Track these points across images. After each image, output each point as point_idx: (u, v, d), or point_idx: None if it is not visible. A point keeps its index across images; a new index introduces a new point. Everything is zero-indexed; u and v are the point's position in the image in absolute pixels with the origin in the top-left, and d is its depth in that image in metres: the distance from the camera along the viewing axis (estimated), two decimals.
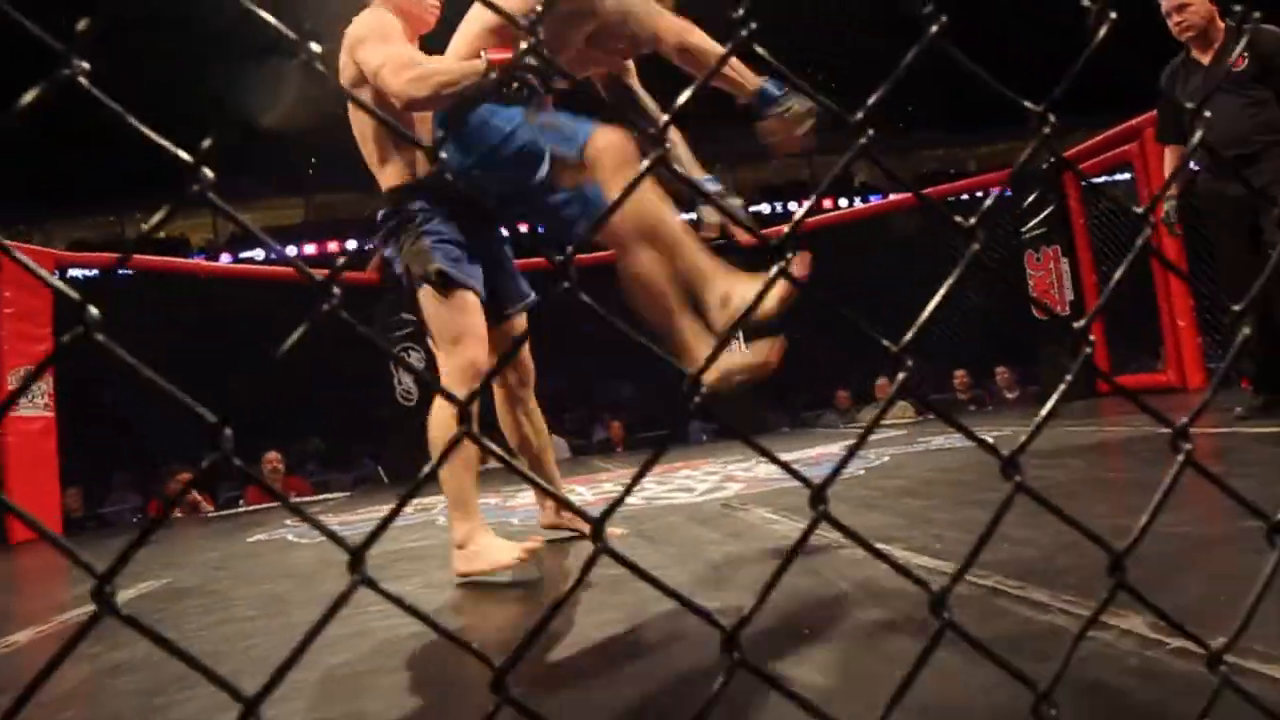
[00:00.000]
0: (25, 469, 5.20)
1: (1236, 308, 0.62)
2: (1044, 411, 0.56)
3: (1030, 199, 6.84)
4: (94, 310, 0.42)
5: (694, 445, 7.50)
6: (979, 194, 8.28)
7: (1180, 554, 1.49)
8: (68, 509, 5.99)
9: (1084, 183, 6.39)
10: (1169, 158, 3.99)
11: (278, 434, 7.92)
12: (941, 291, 0.51)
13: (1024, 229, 6.90)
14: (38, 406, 5.34)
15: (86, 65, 0.41)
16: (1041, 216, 6.79)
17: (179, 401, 0.46)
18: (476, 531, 2.14)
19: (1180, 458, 0.60)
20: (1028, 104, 0.57)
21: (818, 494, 0.49)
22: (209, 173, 0.43)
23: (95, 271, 7.64)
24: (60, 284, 0.44)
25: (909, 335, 0.50)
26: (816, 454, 4.74)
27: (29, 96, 0.41)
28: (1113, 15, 0.56)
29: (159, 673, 1.57)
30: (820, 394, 9.36)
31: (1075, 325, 0.54)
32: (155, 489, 7.68)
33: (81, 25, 0.45)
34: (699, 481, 3.93)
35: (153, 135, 0.43)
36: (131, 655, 1.74)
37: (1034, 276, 6.84)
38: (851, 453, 0.51)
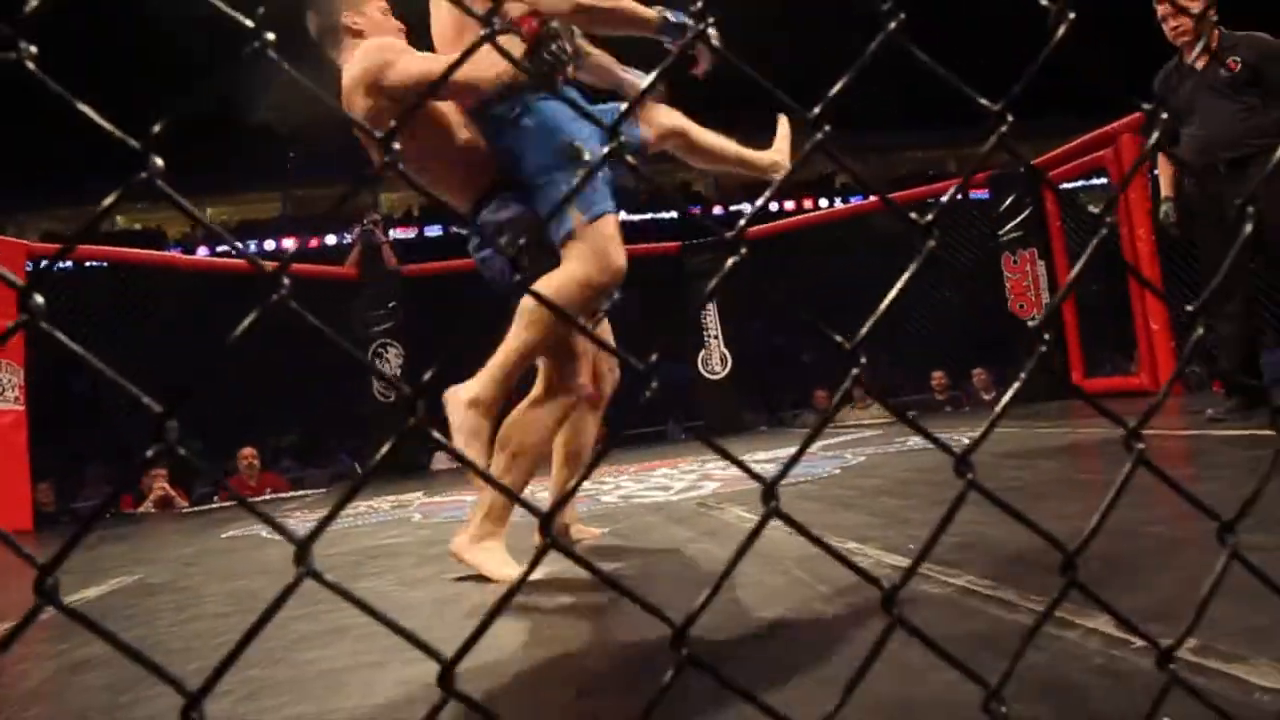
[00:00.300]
0: None
1: (1189, 308, 0.63)
2: (997, 410, 0.56)
3: (1008, 201, 6.88)
4: (39, 298, 0.41)
5: (672, 444, 7.51)
6: (958, 196, 8.33)
7: (1149, 553, 1.51)
8: (39, 503, 5.91)
9: (1049, 187, 6.40)
10: (1161, 161, 4.00)
11: (254, 429, 7.86)
12: (897, 287, 0.51)
13: (1001, 231, 6.95)
14: (8, 400, 5.27)
15: (34, 49, 0.41)
16: (1019, 219, 6.83)
17: (151, 394, 0.46)
18: (497, 537, 2.09)
19: (1133, 457, 0.60)
20: (984, 101, 0.57)
21: (769, 490, 0.49)
22: (159, 161, 0.42)
23: (70, 263, 7.56)
24: (4, 271, 0.43)
25: (862, 333, 0.50)
26: (792, 453, 4.75)
27: None
28: (1071, 15, 0.57)
29: (126, 669, 1.55)
30: (800, 394, 9.40)
31: (1030, 324, 0.54)
32: (129, 484, 7.60)
33: (32, 4, 0.44)
34: (676, 480, 3.94)
35: (100, 120, 0.42)
36: (98, 651, 1.72)
37: (1011, 279, 6.89)
38: (800, 451, 0.51)
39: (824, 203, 18.16)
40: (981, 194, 7.36)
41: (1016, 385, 0.56)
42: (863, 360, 0.50)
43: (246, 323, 0.42)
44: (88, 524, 0.43)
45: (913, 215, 0.55)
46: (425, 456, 7.44)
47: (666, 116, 2.42)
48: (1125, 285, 6.01)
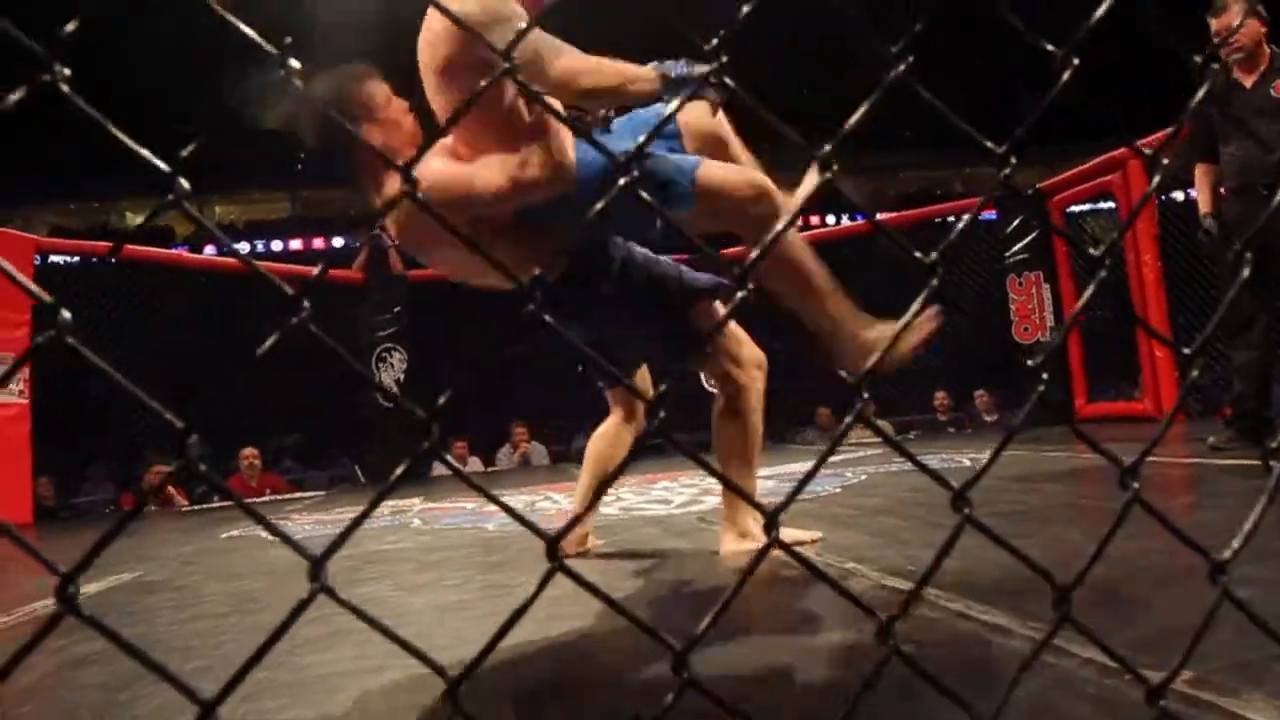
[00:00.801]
0: None
1: (1187, 351, 0.64)
2: (996, 448, 0.57)
3: (1015, 223, 6.89)
4: (66, 314, 0.42)
5: (673, 457, 7.50)
6: (965, 216, 8.34)
7: (1146, 583, 1.51)
8: (40, 497, 5.92)
9: (1054, 230, 6.43)
10: (1201, 177, 3.93)
11: (256, 429, 7.86)
12: (899, 326, 0.52)
13: (1007, 253, 6.95)
14: (11, 393, 5.29)
15: (67, 71, 0.42)
16: (1025, 241, 6.84)
17: (157, 393, 0.47)
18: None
19: (1128, 496, 0.61)
20: (989, 144, 0.58)
21: (770, 520, 0.50)
22: (185, 183, 0.44)
23: (76, 258, 7.59)
24: (32, 286, 0.44)
25: (865, 368, 0.51)
26: (797, 469, 4.75)
27: (9, 101, 0.41)
28: (1075, 61, 0.58)
29: (124, 667, 1.56)
30: (803, 411, 9.37)
31: (1030, 363, 0.55)
32: (131, 481, 7.61)
33: (69, 27, 0.46)
34: (677, 493, 3.93)
35: (131, 144, 0.43)
36: (96, 648, 1.72)
37: (1016, 301, 6.89)
38: (807, 479, 0.52)
39: (830, 219, 18.13)
40: (989, 214, 7.37)
41: (1018, 424, 0.57)
42: (865, 395, 0.51)
43: (269, 343, 0.43)
44: (114, 532, 0.44)
45: (917, 255, 0.56)
46: (424, 463, 7.44)
47: (706, 121, 2.20)
48: (1130, 311, 6.01)
